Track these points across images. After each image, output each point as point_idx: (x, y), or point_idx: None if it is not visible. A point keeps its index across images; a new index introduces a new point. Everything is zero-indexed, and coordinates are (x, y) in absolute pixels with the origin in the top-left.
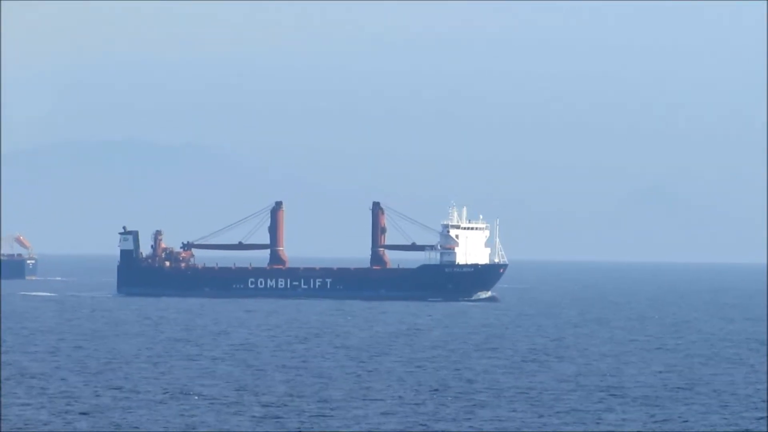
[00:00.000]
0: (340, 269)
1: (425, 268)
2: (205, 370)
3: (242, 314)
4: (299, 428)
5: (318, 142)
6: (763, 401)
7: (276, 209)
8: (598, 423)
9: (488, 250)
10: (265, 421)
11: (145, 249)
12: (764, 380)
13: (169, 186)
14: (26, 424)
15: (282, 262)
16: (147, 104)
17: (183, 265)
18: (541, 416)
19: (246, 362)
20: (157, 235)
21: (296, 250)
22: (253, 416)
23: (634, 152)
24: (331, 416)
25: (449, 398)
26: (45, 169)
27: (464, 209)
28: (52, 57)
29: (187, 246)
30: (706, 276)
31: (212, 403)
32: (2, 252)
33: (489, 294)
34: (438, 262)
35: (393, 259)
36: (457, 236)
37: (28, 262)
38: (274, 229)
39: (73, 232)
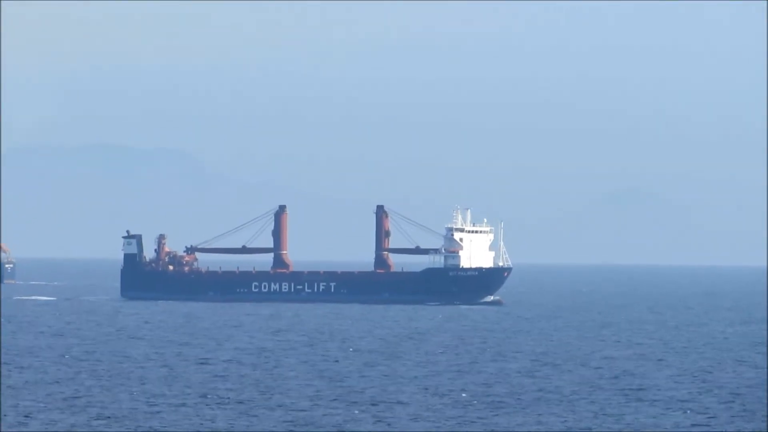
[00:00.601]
0: (344, 273)
1: (429, 272)
2: (227, 373)
3: (244, 317)
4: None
5: (322, 146)
6: None
7: (280, 213)
8: (629, 424)
9: (492, 253)
10: (299, 426)
11: (149, 253)
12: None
13: (171, 190)
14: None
15: (286, 265)
16: (148, 109)
17: (186, 268)
18: (579, 420)
19: (261, 367)
20: (161, 238)
21: (300, 254)
22: (285, 421)
23: (612, 154)
24: (362, 419)
25: (474, 402)
26: (39, 171)
27: (468, 212)
28: (53, 60)
29: (190, 250)
30: (692, 279)
31: (236, 406)
32: None
33: (493, 298)
34: (442, 266)
35: (397, 262)
36: (461, 240)
37: (6, 266)
38: (277, 233)
39: (69, 236)
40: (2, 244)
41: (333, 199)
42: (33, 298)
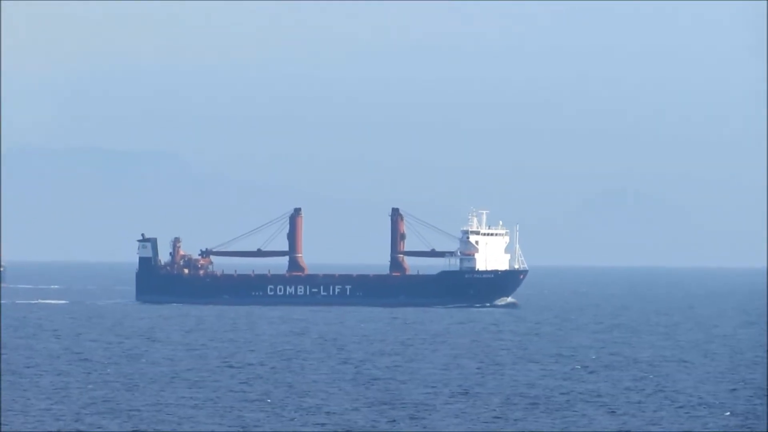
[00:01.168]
0: (359, 276)
1: (445, 275)
2: (259, 376)
3: (263, 320)
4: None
5: (336, 148)
6: None
7: (295, 216)
8: (682, 424)
9: (508, 256)
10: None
11: (164, 256)
12: None
13: (186, 193)
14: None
15: (301, 269)
16: (146, 110)
17: (202, 272)
18: (624, 424)
19: (290, 369)
20: (176, 242)
21: (315, 257)
22: (318, 423)
23: (600, 154)
24: (425, 418)
25: (508, 402)
26: (38, 172)
27: (484, 215)
28: (57, 62)
29: (205, 253)
30: (689, 281)
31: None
32: None
33: (509, 300)
34: (458, 269)
35: (412, 265)
36: (477, 242)
37: None
38: (292, 236)
39: (66, 238)
40: None
41: (348, 202)
42: (41, 301)
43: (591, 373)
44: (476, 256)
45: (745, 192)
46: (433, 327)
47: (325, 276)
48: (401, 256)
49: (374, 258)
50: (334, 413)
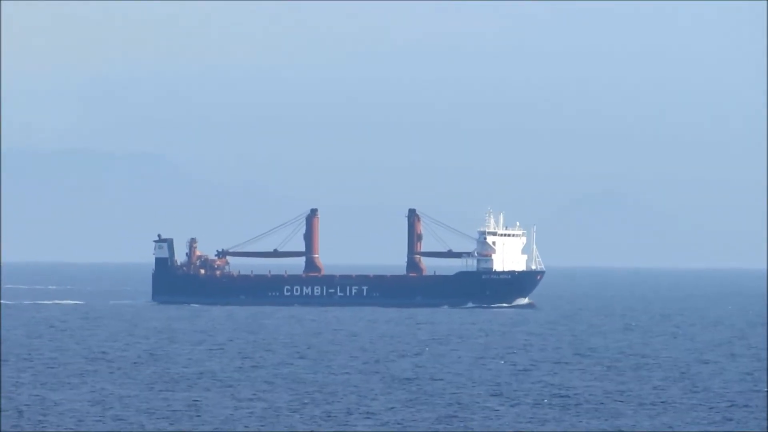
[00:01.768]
0: (376, 276)
1: (462, 275)
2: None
3: (279, 320)
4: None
5: (351, 150)
6: None
7: (311, 216)
8: (718, 425)
9: (525, 256)
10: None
11: (180, 257)
12: None
13: (204, 195)
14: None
15: (317, 269)
16: (165, 117)
17: (218, 272)
18: (664, 424)
19: (318, 370)
20: (192, 242)
21: (331, 257)
22: (371, 424)
23: (586, 155)
24: (472, 419)
25: (545, 401)
26: (38, 173)
27: (501, 216)
28: (73, 66)
29: (221, 253)
30: (677, 283)
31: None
32: None
33: (526, 301)
34: (475, 269)
35: (429, 266)
36: (494, 243)
37: None
38: (309, 237)
39: (64, 240)
40: None
41: (365, 202)
42: (58, 302)
43: (620, 374)
44: (493, 256)
45: (744, 192)
46: (452, 327)
47: (342, 276)
48: (418, 256)
49: (391, 259)
50: (374, 413)
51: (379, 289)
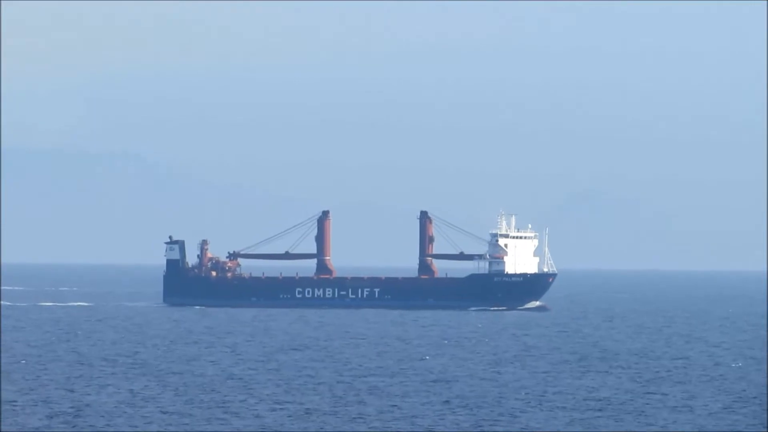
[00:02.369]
0: (387, 279)
1: (474, 278)
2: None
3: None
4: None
5: (367, 153)
6: None
7: (323, 218)
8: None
9: (537, 259)
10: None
11: (191, 259)
12: None
13: (214, 197)
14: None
15: (329, 271)
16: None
17: (229, 274)
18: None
19: (344, 372)
20: (203, 244)
21: (343, 259)
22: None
23: (586, 155)
24: (516, 421)
25: (571, 402)
26: (38, 174)
27: (513, 218)
28: (73, 66)
29: (233, 255)
30: (674, 284)
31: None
32: None
33: (538, 303)
34: (487, 272)
35: (441, 268)
36: (505, 245)
37: None
38: (321, 239)
39: (63, 241)
40: None
41: (377, 204)
42: (71, 304)
43: (649, 380)
44: (505, 259)
45: (744, 193)
46: (461, 331)
47: (354, 278)
48: (430, 258)
49: (403, 261)
50: (417, 417)
51: (390, 292)
